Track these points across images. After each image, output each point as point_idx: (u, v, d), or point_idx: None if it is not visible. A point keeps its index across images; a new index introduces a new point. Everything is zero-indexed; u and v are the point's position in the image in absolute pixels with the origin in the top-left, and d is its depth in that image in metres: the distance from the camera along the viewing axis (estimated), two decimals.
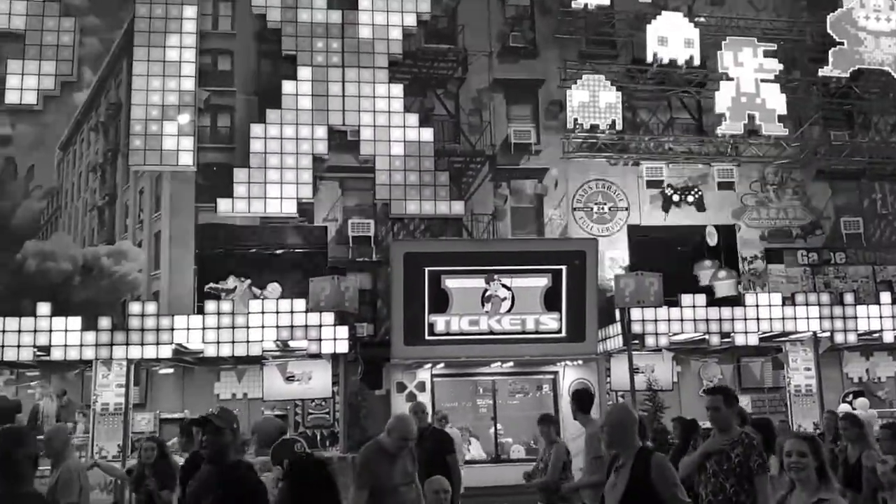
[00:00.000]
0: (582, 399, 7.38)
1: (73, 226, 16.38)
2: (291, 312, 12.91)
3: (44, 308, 12.68)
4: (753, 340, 13.94)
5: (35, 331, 12.50)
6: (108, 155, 16.74)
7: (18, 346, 12.47)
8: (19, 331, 12.46)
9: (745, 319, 13.88)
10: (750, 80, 18.00)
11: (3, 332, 12.40)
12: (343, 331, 12.99)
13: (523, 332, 14.44)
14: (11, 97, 16.12)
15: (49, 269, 15.87)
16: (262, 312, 12.89)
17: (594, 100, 17.46)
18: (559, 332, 14.47)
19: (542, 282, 14.53)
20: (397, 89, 17.01)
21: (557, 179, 17.83)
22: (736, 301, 15.01)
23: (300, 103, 16.62)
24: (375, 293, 16.48)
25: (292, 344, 13.23)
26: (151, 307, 13.02)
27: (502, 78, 18.08)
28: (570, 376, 15.18)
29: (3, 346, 12.39)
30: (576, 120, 17.38)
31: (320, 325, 12.90)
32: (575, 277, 14.46)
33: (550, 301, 14.45)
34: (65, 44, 16.52)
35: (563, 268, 14.48)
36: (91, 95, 16.77)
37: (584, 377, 15.13)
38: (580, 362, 15.12)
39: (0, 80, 16.02)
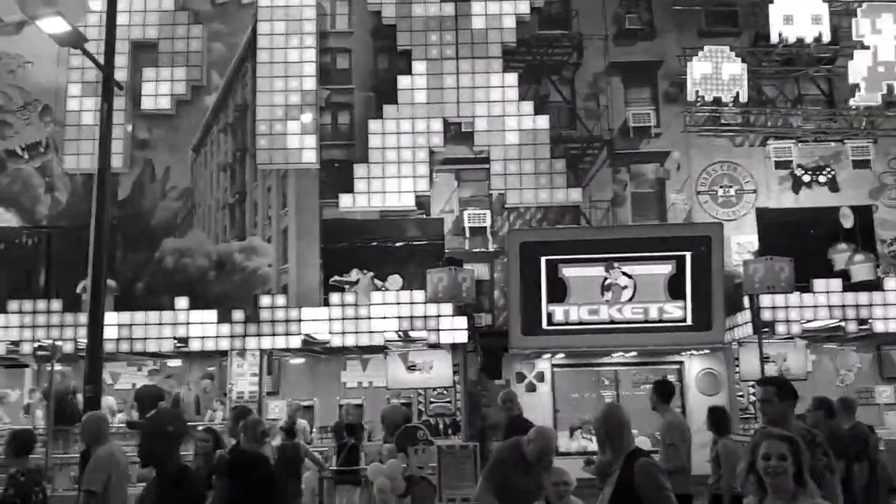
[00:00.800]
0: (663, 390, 7.73)
1: (206, 223, 17.27)
2: (411, 303, 13.17)
3: (182, 302, 13.47)
4: (894, 327, 13.14)
5: (174, 324, 13.30)
6: (237, 155, 17.51)
7: (160, 339, 13.31)
8: (160, 324, 13.30)
9: (885, 305, 13.12)
10: (889, 48, 16.84)
11: (146, 325, 13.26)
12: (461, 321, 13.14)
13: (646, 321, 14.13)
14: (147, 103, 17.14)
15: (186, 265, 16.82)
16: (384, 304, 13.21)
17: (717, 71, 16.75)
18: (684, 320, 14.07)
19: (666, 269, 14.17)
20: (511, 78, 16.96)
21: (679, 162, 17.30)
22: (874, 286, 14.13)
23: (416, 97, 16.86)
24: (493, 283, 16.54)
25: (413, 334, 13.48)
26: (281, 300, 13.60)
27: (619, 61, 17.68)
28: (696, 366, 14.75)
29: (146, 339, 13.24)
30: (697, 92, 16.75)
31: (439, 316, 13.09)
32: (700, 264, 14.01)
33: (674, 289, 14.07)
34: (194, 50, 17.40)
35: (688, 254, 14.06)
36: (219, 98, 17.58)
37: (711, 367, 14.67)
38: (707, 351, 14.67)
39: (137, 88, 17.05)
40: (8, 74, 17.41)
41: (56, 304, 13.42)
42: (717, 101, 16.80)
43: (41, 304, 13.40)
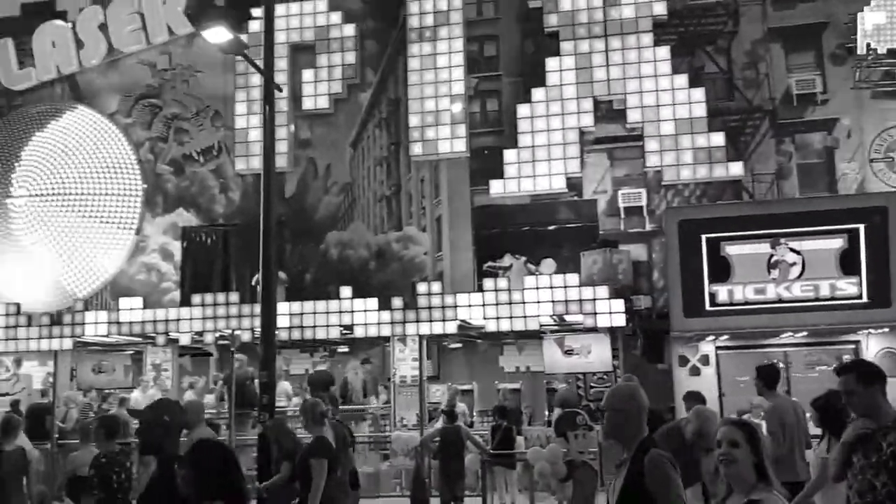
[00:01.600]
0: (768, 375, 7.44)
1: (366, 216, 17.94)
2: (565, 287, 13.09)
3: (346, 291, 14.10)
4: None
5: (340, 312, 13.94)
6: (392, 148, 18.04)
7: (328, 326, 14.01)
8: (327, 312, 13.98)
9: None
10: None
11: (315, 313, 13.98)
12: (618, 304, 12.93)
13: (817, 299, 13.30)
14: (307, 104, 17.97)
15: (348, 256, 17.57)
16: (537, 288, 13.22)
17: (892, 21, 15.44)
18: (859, 297, 13.13)
19: (837, 243, 13.27)
20: (663, 52, 16.40)
21: (850, 129, 16.12)
22: None
23: (564, 78, 16.67)
24: (651, 264, 16.13)
25: (568, 318, 13.41)
26: (436, 287, 13.93)
27: (779, 26, 16.68)
28: (874, 346, 13.74)
29: (315, 327, 13.97)
30: (868, 45, 15.48)
31: (594, 299, 12.94)
32: (875, 236, 13.02)
33: (847, 264, 13.16)
34: (348, 49, 18.04)
35: (861, 227, 13.10)
36: (373, 94, 18.17)
37: (893, 346, 13.62)
38: (886, 330, 13.62)
39: (297, 89, 17.93)
40: (182, 84, 18.82)
41: (234, 297, 14.40)
42: (891, 52, 15.45)
43: (220, 297, 14.41)
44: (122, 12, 18.95)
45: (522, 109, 16.82)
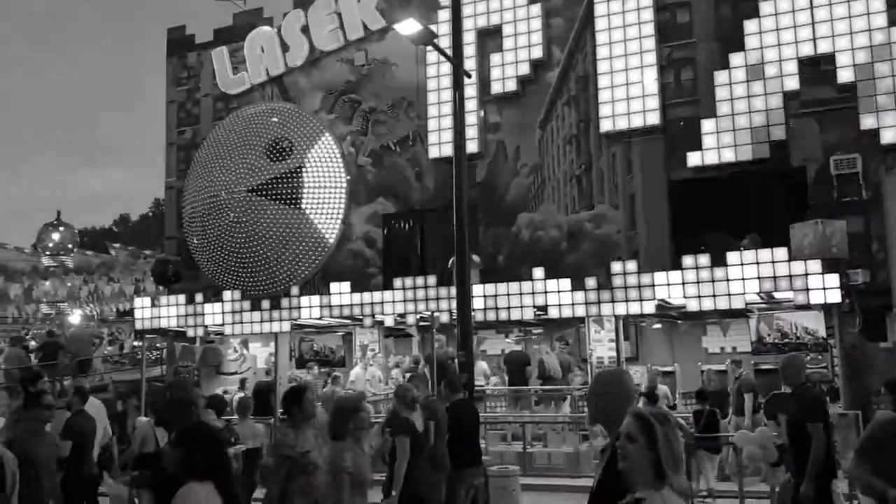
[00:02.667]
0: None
1: (556, 196, 17.87)
2: (773, 262, 12.35)
3: (538, 272, 14.16)
4: None
5: (533, 293, 14.03)
6: (581, 126, 17.82)
7: (521, 307, 14.15)
8: (521, 293, 14.12)
9: None
10: None
11: (508, 295, 14.17)
12: (833, 279, 12.01)
13: None
14: (496, 87, 18.18)
15: (540, 237, 17.61)
16: (742, 264, 12.57)
17: None
18: None
19: None
20: (878, 2, 14.96)
21: None
22: None
23: (765, 40, 15.68)
24: (869, 235, 14.80)
25: (777, 295, 12.66)
26: (632, 265, 13.61)
27: None
28: None
29: (509, 308, 14.17)
30: None
31: (806, 274, 12.11)
32: None
33: None
34: (534, 29, 18.03)
35: None
36: (561, 73, 18.01)
37: None
38: None
39: (486, 74, 18.16)
40: (378, 78, 19.67)
41: (431, 280, 14.91)
42: None
43: (419, 280, 14.98)
44: (322, 13, 20.09)
45: (720, 76, 16.03)
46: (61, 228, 30.65)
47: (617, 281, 13.36)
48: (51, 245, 27.51)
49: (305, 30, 20.25)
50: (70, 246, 28.71)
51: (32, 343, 22.65)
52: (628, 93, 16.79)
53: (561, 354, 15.14)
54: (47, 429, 7.43)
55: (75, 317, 23.93)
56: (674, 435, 3.06)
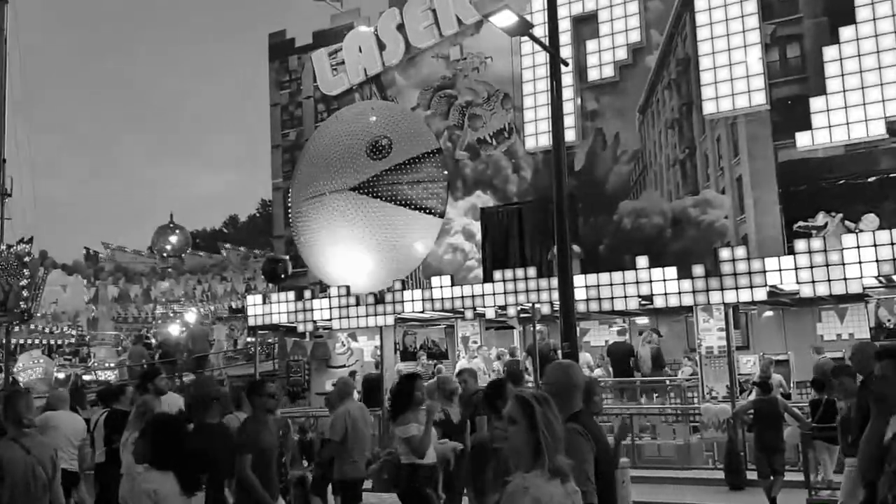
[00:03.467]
0: None
1: (658, 182, 17.49)
2: (892, 244, 11.72)
3: (642, 261, 13.89)
4: None
5: (637, 282, 13.77)
6: (683, 109, 17.38)
7: (625, 297, 13.92)
8: (624, 283, 13.88)
9: None
10: None
11: (612, 285, 13.97)
12: None
13: None
14: (593, 74, 17.94)
15: (642, 224, 17.28)
16: (858, 247, 11.97)
17: None
18: None
19: None
20: None
21: None
22: None
23: (877, 11, 14.87)
24: None
25: None
26: (741, 251, 13.16)
27: None
28: None
29: (612, 298, 13.97)
30: None
31: None
32: None
33: None
34: (631, 13, 17.68)
35: None
36: (660, 56, 17.60)
37: None
38: None
39: (582, 61, 17.95)
40: (473, 72, 19.73)
41: (532, 271, 14.86)
42: None
43: (519, 272, 14.95)
44: (417, 10, 20.31)
45: (829, 52, 15.31)
46: (176, 231, 32.22)
47: (726, 268, 12.96)
48: (168, 248, 28.98)
49: (401, 28, 20.51)
50: (184, 247, 30.13)
51: (153, 341, 23.92)
52: (732, 73, 16.27)
53: (653, 346, 14.86)
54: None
55: (191, 315, 25.09)
56: (554, 416, 3.07)
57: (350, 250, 18.93)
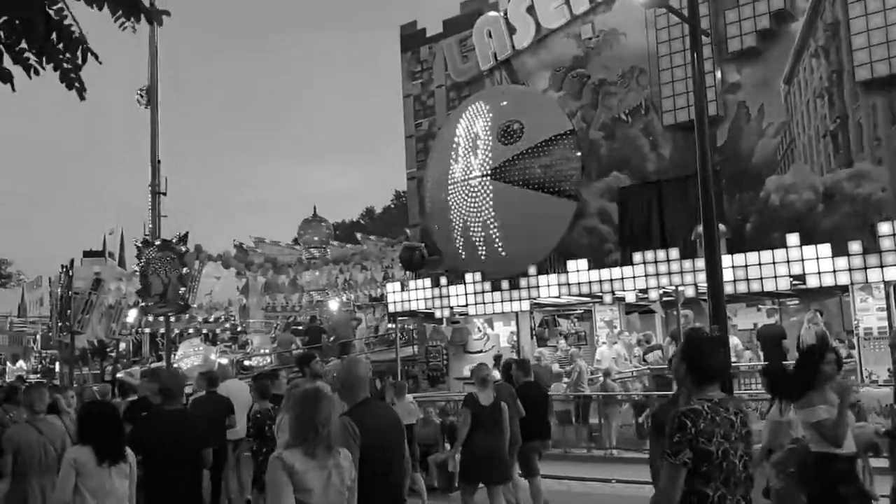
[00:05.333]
0: None
1: (808, 155, 16.52)
2: None
3: (793, 238, 13.20)
4: None
5: (788, 261, 13.11)
6: (833, 77, 16.32)
7: (775, 277, 13.27)
8: (773, 262, 13.25)
9: None
10: None
11: (760, 265, 13.35)
12: None
13: None
14: (733, 45, 17.14)
15: (792, 201, 16.37)
16: None
17: None
18: None
19: None
20: None
21: None
22: None
23: None
24: None
25: None
26: None
27: None
28: None
29: (762, 278, 13.35)
30: None
31: None
32: None
33: None
34: None
35: None
36: (806, 22, 16.58)
37: None
38: None
39: (721, 32, 17.16)
40: (606, 49, 19.27)
41: (674, 253, 14.42)
42: None
43: (661, 254, 14.54)
44: None
45: None
46: (317, 223, 33.45)
47: (885, 244, 12.15)
48: (315, 239, 30.09)
49: (531, 10, 20.30)
50: (326, 239, 31.23)
51: (300, 328, 24.98)
52: (887, 35, 15.14)
53: (818, 328, 14.05)
54: None
55: (334, 303, 25.98)
56: (312, 407, 4.02)
57: (484, 236, 19.00)
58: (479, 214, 19.06)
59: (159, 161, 26.57)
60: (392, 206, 63.83)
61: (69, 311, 33.67)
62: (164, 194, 26.76)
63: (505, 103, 19.64)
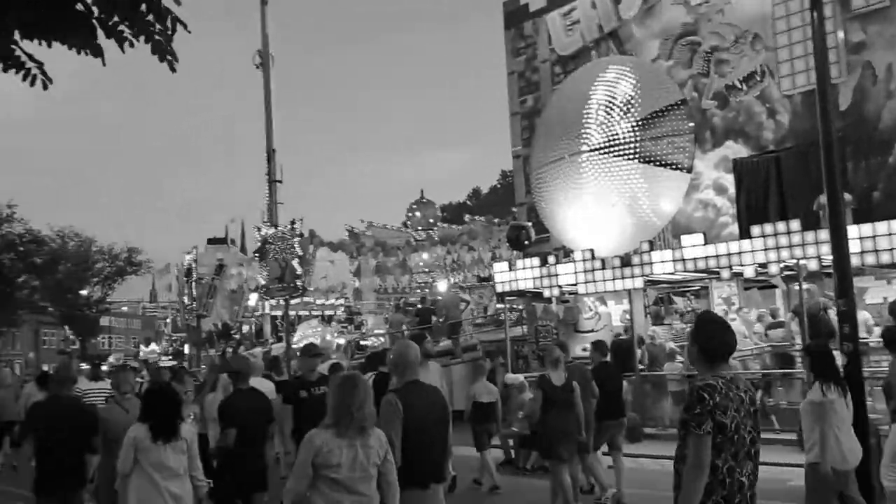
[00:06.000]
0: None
1: None
2: None
3: None
4: None
5: None
6: None
7: None
8: None
9: None
10: None
11: (890, 235, 12.50)
12: None
13: None
14: (857, 1, 16.07)
15: None
16: None
17: None
18: None
19: None
20: None
21: None
22: None
23: None
24: None
25: None
26: None
27: None
28: None
29: (892, 249, 12.51)
30: None
31: None
32: None
33: None
34: None
35: None
36: None
37: None
38: None
39: None
40: (717, 14, 18.45)
41: (794, 224, 13.72)
42: None
43: (781, 226, 13.85)
44: None
45: None
46: (424, 206, 33.81)
47: None
48: (423, 220, 30.47)
49: None
50: (434, 220, 31.51)
51: (410, 309, 25.31)
52: None
53: None
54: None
55: (443, 284, 26.21)
56: (348, 392, 4.64)
57: (593, 213, 18.63)
58: (587, 190, 18.69)
59: (274, 150, 27.45)
60: (498, 185, 63.78)
61: (194, 296, 35.43)
62: (280, 182, 27.66)
63: (612, 75, 19.12)
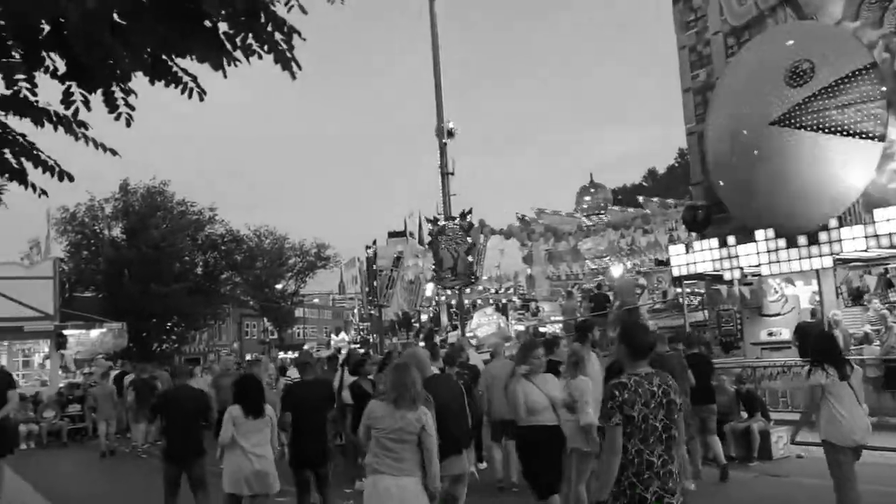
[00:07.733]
0: None
1: None
2: None
3: None
4: None
5: None
6: None
7: None
8: None
9: None
10: None
11: None
12: None
13: None
14: None
15: None
16: None
17: None
18: None
19: None
20: None
21: None
22: None
23: None
24: None
25: None
26: None
27: None
28: None
29: None
30: None
31: None
32: None
33: None
34: None
35: None
36: None
37: None
38: None
39: None
40: None
41: None
42: None
43: None
44: None
45: None
46: (595, 190, 33.30)
47: None
48: (593, 205, 30.03)
49: None
50: (605, 204, 30.98)
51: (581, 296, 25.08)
52: None
53: None
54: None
55: (617, 269, 25.70)
56: (404, 373, 6.04)
57: (776, 189, 17.55)
58: (768, 166, 17.63)
59: (445, 143, 28.08)
60: (676, 164, 61.64)
61: (375, 287, 37.00)
62: (452, 174, 28.27)
63: (791, 42, 17.90)
